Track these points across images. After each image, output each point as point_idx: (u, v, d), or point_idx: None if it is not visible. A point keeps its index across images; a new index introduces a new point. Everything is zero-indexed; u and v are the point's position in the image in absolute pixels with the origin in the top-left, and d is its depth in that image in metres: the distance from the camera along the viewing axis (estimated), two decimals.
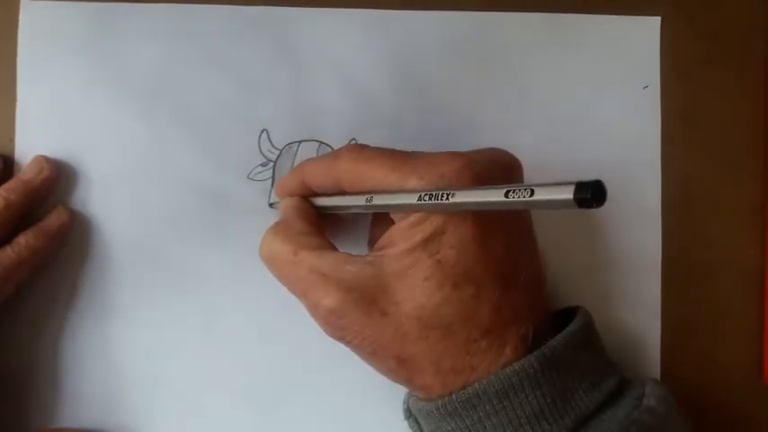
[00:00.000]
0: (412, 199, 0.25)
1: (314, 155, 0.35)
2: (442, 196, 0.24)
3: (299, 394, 0.34)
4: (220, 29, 0.35)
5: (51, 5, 0.35)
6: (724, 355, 0.35)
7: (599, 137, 0.35)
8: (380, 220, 0.31)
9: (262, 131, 0.35)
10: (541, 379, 0.26)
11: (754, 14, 0.36)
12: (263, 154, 0.35)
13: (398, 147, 0.35)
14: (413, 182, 0.26)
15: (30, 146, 0.35)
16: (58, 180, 0.34)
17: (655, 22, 0.36)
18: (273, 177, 0.35)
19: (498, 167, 0.28)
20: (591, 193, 0.20)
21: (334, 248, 0.29)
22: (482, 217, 0.26)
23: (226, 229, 0.35)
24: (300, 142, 0.35)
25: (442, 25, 0.36)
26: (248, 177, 0.35)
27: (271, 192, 0.35)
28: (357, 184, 0.28)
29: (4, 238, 0.32)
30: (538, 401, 0.26)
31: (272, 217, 0.35)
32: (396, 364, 0.27)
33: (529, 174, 0.35)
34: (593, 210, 0.32)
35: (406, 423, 0.30)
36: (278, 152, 0.35)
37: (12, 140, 0.35)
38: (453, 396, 0.26)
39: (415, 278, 0.26)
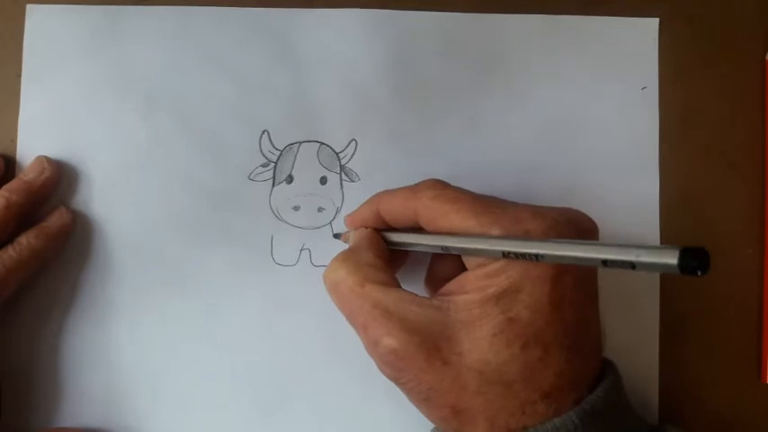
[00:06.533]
0: (495, 247, 0.25)
1: (314, 155, 0.35)
2: (530, 257, 0.24)
3: (300, 393, 0.34)
4: (221, 30, 0.36)
5: (55, 10, 0.35)
6: (723, 355, 0.35)
7: (597, 137, 0.36)
8: (443, 260, 0.31)
9: (262, 132, 0.35)
10: None
11: (753, 15, 0.36)
12: (263, 154, 0.35)
13: (398, 147, 0.35)
14: (495, 232, 0.26)
15: (31, 146, 0.35)
16: (59, 180, 0.35)
17: (653, 24, 0.36)
18: (274, 178, 0.35)
19: (578, 233, 0.27)
20: (698, 262, 0.19)
21: (399, 286, 0.28)
22: (560, 281, 0.26)
23: (226, 229, 0.35)
24: (301, 143, 0.35)
25: (441, 25, 0.36)
26: (249, 178, 0.35)
27: (271, 193, 0.35)
28: (435, 223, 0.28)
29: (5, 239, 0.33)
30: None
31: (272, 217, 0.35)
32: (449, 413, 0.26)
33: (529, 175, 0.36)
34: (592, 210, 0.32)
35: (406, 421, 0.30)
36: (278, 153, 0.35)
37: (14, 141, 0.35)
38: None
39: (482, 331, 0.25)
